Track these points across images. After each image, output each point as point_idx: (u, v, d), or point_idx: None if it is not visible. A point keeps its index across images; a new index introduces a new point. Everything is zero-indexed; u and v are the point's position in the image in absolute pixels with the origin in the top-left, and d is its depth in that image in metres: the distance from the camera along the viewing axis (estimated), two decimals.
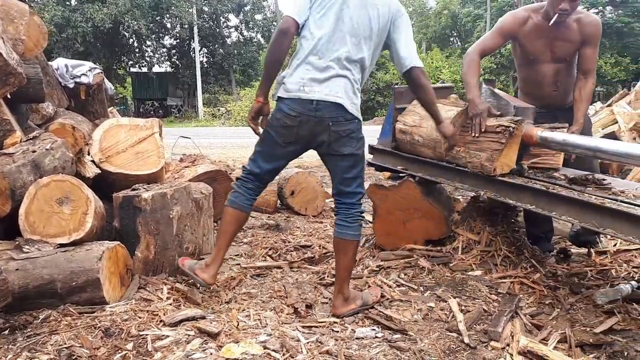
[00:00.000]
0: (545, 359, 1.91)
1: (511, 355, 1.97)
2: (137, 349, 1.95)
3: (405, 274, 2.81)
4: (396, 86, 3.52)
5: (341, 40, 2.22)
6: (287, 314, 2.35)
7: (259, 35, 31.32)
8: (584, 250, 3.18)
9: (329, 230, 3.84)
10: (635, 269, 2.87)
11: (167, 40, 29.15)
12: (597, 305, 2.36)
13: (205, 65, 29.69)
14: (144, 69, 29.04)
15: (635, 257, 3.02)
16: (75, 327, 2.06)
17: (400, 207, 3.13)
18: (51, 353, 1.87)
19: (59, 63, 3.64)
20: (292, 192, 4.55)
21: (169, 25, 27.50)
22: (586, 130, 2.89)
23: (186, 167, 4.18)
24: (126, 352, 1.92)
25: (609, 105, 6.71)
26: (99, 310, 2.21)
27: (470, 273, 2.76)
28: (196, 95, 27.64)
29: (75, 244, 2.40)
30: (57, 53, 20.62)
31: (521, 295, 2.52)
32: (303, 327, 2.20)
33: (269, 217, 4.30)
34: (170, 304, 2.35)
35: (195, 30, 26.53)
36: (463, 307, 2.38)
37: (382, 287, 2.60)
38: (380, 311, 2.34)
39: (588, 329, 2.18)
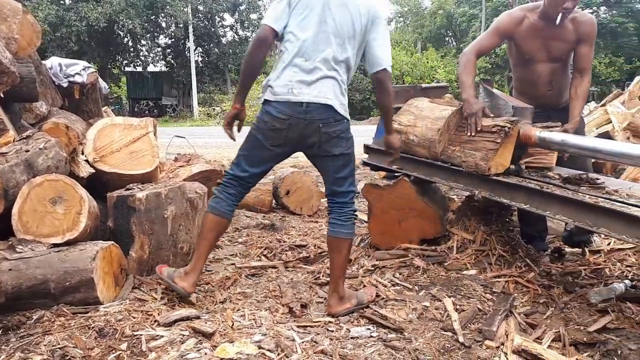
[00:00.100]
0: (540, 357, 1.92)
1: (505, 354, 1.97)
2: (131, 349, 1.94)
3: (400, 273, 2.81)
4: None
5: (326, 41, 2.22)
6: (282, 314, 2.35)
7: (254, 35, 31.28)
8: (578, 249, 3.19)
9: (324, 229, 3.83)
10: (628, 268, 2.88)
11: (162, 40, 29.08)
12: (591, 304, 2.37)
13: (201, 65, 29.62)
14: (139, 69, 28.94)
15: (629, 256, 3.03)
16: (69, 328, 2.05)
17: (395, 207, 3.13)
18: (44, 353, 1.86)
19: (53, 62, 3.62)
20: (287, 192, 4.55)
21: (163, 25, 27.41)
22: (579, 130, 2.89)
23: (181, 166, 4.17)
24: (120, 352, 1.91)
25: (603, 105, 6.75)
26: (93, 311, 2.20)
27: (465, 272, 2.77)
28: (191, 95, 27.57)
29: (69, 243, 2.38)
30: (51, 52, 20.52)
31: (515, 294, 2.52)
32: (298, 326, 2.19)
33: (264, 216, 4.30)
34: (165, 304, 2.35)
35: (190, 29, 26.45)
36: (458, 306, 2.38)
37: (377, 287, 2.60)
38: (375, 310, 2.34)
39: (582, 327, 2.19)
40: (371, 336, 2.12)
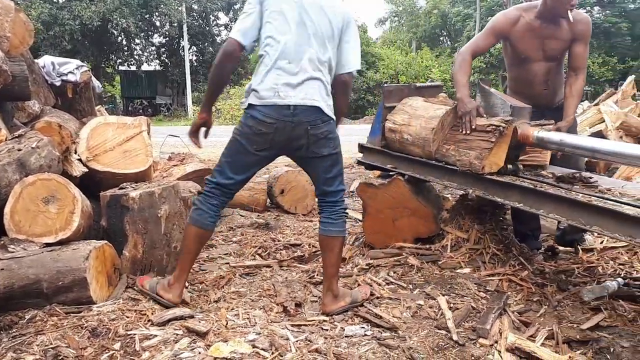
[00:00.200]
0: (533, 355, 1.92)
1: (499, 352, 1.98)
2: (124, 349, 1.93)
3: (394, 272, 2.82)
4: (386, 85, 3.52)
5: (307, 42, 2.21)
6: (277, 313, 2.35)
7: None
8: (571, 248, 3.21)
9: None
10: (621, 266, 2.90)
11: (156, 39, 28.94)
12: (584, 302, 2.38)
13: (195, 64, 29.50)
14: (133, 68, 28.81)
15: (622, 254, 3.05)
16: (62, 327, 2.04)
17: (390, 206, 3.14)
18: (37, 353, 1.85)
19: (46, 61, 3.60)
20: (281, 191, 4.54)
21: (158, 24, 27.29)
22: (572, 130, 2.91)
23: (175, 165, 4.16)
24: (113, 352, 1.90)
25: (596, 105, 6.78)
26: (86, 310, 2.19)
27: (458, 271, 2.78)
28: (185, 94, 27.46)
29: (61, 243, 2.37)
30: (44, 51, 20.39)
31: (509, 293, 2.53)
32: (292, 325, 2.19)
33: (258, 215, 4.29)
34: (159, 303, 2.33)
35: (185, 28, 26.34)
36: (452, 305, 2.39)
37: (371, 285, 2.60)
38: (369, 309, 2.34)
39: (575, 325, 2.20)
40: (365, 335, 2.12)
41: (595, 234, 3.03)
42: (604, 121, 6.05)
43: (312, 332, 2.13)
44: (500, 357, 1.95)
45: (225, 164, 2.29)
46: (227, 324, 2.17)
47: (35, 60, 3.46)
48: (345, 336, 2.11)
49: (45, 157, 2.57)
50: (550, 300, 2.45)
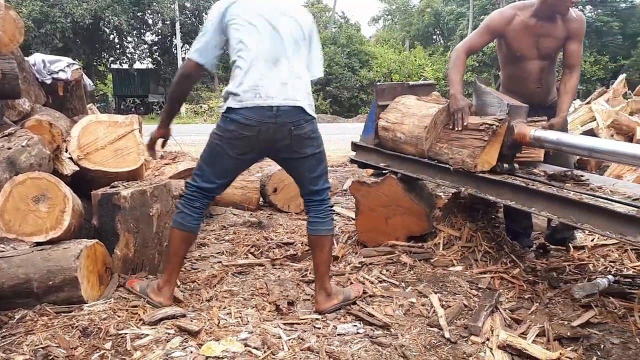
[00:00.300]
0: (524, 352, 1.94)
1: (491, 349, 1.99)
2: (115, 348, 1.92)
3: (387, 270, 2.82)
4: (379, 83, 3.52)
5: (282, 43, 2.19)
6: (269, 312, 2.34)
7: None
8: (561, 246, 3.22)
9: None
10: (612, 264, 2.92)
11: (149, 37, 28.81)
12: (574, 299, 2.40)
13: None
14: (125, 66, 28.66)
15: (612, 251, 3.07)
16: (52, 327, 2.02)
17: (383, 204, 3.14)
18: (27, 353, 1.83)
19: (36, 58, 3.57)
20: (274, 190, 4.54)
21: (150, 21, 27.18)
22: (563, 128, 2.92)
23: (167, 164, 4.14)
24: (104, 351, 1.89)
25: (588, 103, 6.82)
26: (77, 310, 2.17)
27: (451, 268, 2.78)
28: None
29: (52, 242, 2.35)
30: (35, 49, 20.22)
31: (501, 290, 2.54)
32: (285, 324, 2.19)
33: (251, 214, 4.28)
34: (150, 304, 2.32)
35: (177, 26, 26.24)
36: (444, 303, 2.39)
37: (364, 284, 2.60)
38: (362, 307, 2.34)
39: (566, 322, 2.21)
40: (358, 333, 2.12)
41: (587, 232, 3.05)
42: (595, 119, 6.08)
43: (305, 331, 2.13)
44: (492, 354, 1.95)
45: (206, 169, 2.25)
46: (219, 322, 2.17)
47: (26, 58, 3.43)
48: (338, 334, 2.11)
49: (36, 155, 2.55)
50: (542, 298, 2.46)
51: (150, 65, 30.59)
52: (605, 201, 2.18)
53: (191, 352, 1.88)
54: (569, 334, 2.11)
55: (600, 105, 6.28)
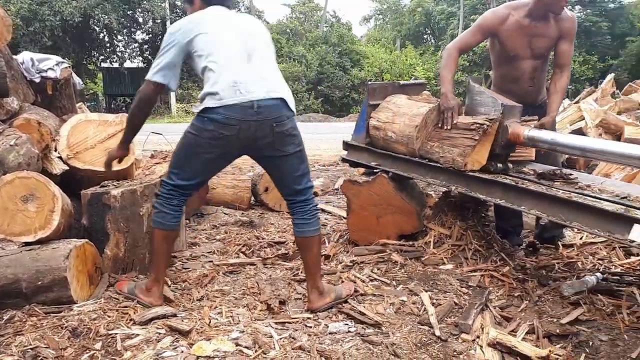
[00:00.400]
0: (514, 349, 1.95)
1: (481, 347, 2.00)
2: (105, 349, 1.92)
3: (378, 269, 2.83)
4: (370, 83, 3.53)
5: (252, 41, 2.21)
6: (260, 311, 2.34)
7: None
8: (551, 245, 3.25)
9: None
10: (600, 261, 2.95)
11: (139, 35, 28.58)
12: (563, 297, 2.42)
13: None
14: (115, 64, 28.40)
15: (600, 249, 3.10)
16: (41, 328, 2.01)
17: (374, 203, 3.15)
18: (15, 354, 1.82)
19: (25, 57, 3.53)
20: (266, 189, 4.53)
21: (140, 20, 26.98)
22: (552, 128, 2.95)
23: (157, 163, 4.12)
24: (94, 351, 1.88)
25: (577, 103, 6.88)
26: (66, 310, 2.16)
27: (441, 267, 2.80)
28: (169, 92, 27.21)
29: (41, 242, 2.34)
30: (24, 47, 20.02)
31: (491, 288, 2.56)
32: (276, 323, 2.19)
33: (242, 213, 4.27)
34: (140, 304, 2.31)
35: (168, 24, 26.08)
36: (434, 301, 2.40)
37: (355, 282, 2.61)
38: (353, 306, 2.34)
39: (555, 319, 2.23)
40: (349, 331, 2.13)
41: (575, 230, 3.08)
42: (584, 119, 6.14)
43: (296, 330, 2.13)
44: (482, 352, 1.97)
45: (183, 167, 2.21)
46: (210, 322, 2.16)
47: (14, 57, 3.39)
48: (329, 333, 2.11)
49: (24, 154, 2.53)
50: (531, 296, 2.48)
51: (141, 64, 30.33)
52: (594, 199, 2.20)
53: (182, 351, 1.87)
54: (558, 331, 2.13)
55: (588, 105, 6.34)
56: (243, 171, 5.04)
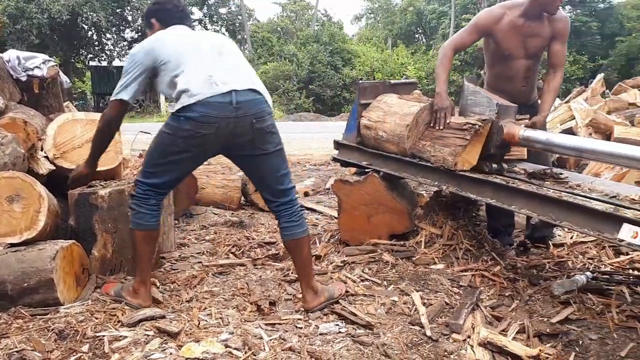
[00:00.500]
0: (505, 349, 1.95)
1: (472, 346, 2.00)
2: (93, 351, 1.89)
3: (369, 269, 2.82)
4: (361, 82, 3.52)
5: (219, 46, 2.21)
6: (250, 312, 2.32)
7: (223, 29, 30.90)
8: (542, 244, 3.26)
9: None
10: (590, 260, 2.96)
11: (128, 33, 28.33)
12: (554, 296, 2.42)
13: None
14: (104, 63, 28.12)
15: (590, 248, 3.11)
16: (27, 330, 1.98)
17: (365, 203, 3.14)
18: (1, 357, 1.79)
19: (11, 55, 3.47)
20: (256, 189, 4.50)
21: (130, 18, 26.76)
22: (542, 127, 2.96)
23: None
24: (81, 354, 1.86)
25: (567, 102, 6.92)
26: (53, 312, 2.13)
27: (432, 266, 2.79)
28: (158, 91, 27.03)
29: (27, 243, 2.30)
30: (10, 45, 19.79)
31: (482, 288, 2.56)
32: (266, 324, 2.17)
33: (232, 213, 4.24)
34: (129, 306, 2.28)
35: None
36: (425, 301, 2.40)
37: (346, 282, 2.60)
38: (344, 306, 2.33)
39: (545, 319, 2.23)
40: (340, 332, 2.11)
41: (566, 229, 3.09)
42: (574, 118, 6.18)
43: (286, 331, 2.11)
44: (473, 351, 1.96)
45: (158, 166, 2.16)
46: (199, 323, 2.14)
47: (0, 55, 3.34)
48: (320, 334, 2.10)
49: (10, 154, 2.48)
50: (522, 295, 2.48)
51: None
52: (584, 199, 2.21)
53: (171, 353, 1.85)
54: (548, 330, 2.13)
55: (579, 104, 6.38)
56: (233, 171, 5.01)
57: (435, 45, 31.05)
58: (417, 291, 2.49)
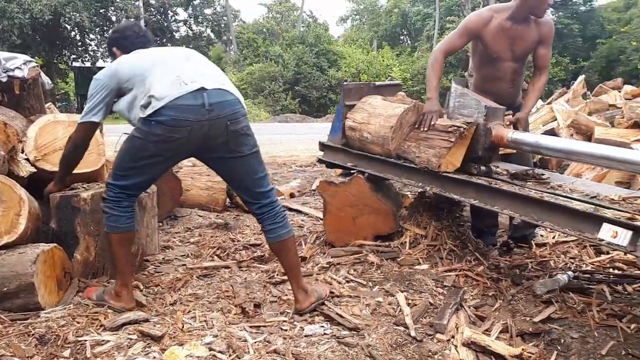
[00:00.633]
0: (488, 349, 1.97)
1: (456, 346, 2.01)
2: (74, 356, 1.87)
3: (354, 270, 2.82)
4: (345, 83, 3.52)
5: (185, 52, 2.25)
6: (235, 314, 2.31)
7: (208, 30, 30.78)
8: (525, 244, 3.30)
9: None
10: (571, 260, 3.01)
11: None
12: (536, 295, 2.45)
13: None
14: (87, 64, 27.77)
15: (572, 248, 3.16)
16: (7, 335, 1.95)
17: (350, 204, 3.14)
18: None
19: None
20: (235, 193, 4.48)
21: (114, 19, 26.45)
22: (524, 125, 3.00)
23: None
24: (63, 359, 1.83)
25: (549, 103, 7.01)
26: (34, 317, 2.10)
27: (417, 267, 2.81)
28: None
29: (7, 247, 2.26)
30: None
31: (466, 288, 2.58)
32: (251, 327, 2.16)
33: (217, 215, 4.22)
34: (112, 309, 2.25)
35: (142, 24, 25.68)
36: (410, 301, 2.41)
37: (331, 284, 2.60)
38: (329, 307, 2.33)
39: (528, 318, 2.26)
40: (325, 334, 2.11)
41: (548, 229, 3.13)
42: (556, 119, 6.26)
43: (271, 333, 2.10)
44: (457, 351, 1.98)
45: (129, 169, 2.14)
46: (183, 327, 2.12)
47: None
48: (305, 336, 2.10)
49: None
50: (505, 295, 2.51)
51: None
52: (565, 199, 2.24)
53: (154, 357, 1.84)
54: (531, 329, 2.16)
55: (560, 106, 6.47)
56: None
57: (420, 47, 31.26)
58: (402, 292, 2.50)
